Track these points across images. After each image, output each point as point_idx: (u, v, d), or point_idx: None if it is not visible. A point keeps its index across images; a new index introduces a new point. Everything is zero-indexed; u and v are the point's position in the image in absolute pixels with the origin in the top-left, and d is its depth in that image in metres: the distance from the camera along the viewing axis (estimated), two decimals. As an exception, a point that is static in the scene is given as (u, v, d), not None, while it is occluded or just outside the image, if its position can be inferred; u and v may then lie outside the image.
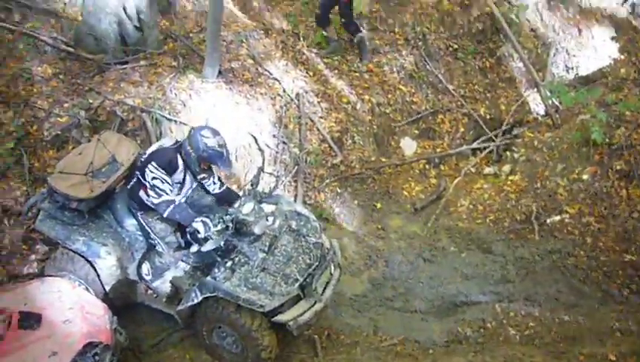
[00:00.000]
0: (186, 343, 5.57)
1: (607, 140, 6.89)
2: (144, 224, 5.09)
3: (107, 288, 5.15)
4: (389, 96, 9.03)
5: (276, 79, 8.16)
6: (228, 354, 5.12)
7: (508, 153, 8.36)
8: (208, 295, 4.66)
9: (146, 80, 7.61)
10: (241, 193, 5.62)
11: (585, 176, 6.92)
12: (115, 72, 7.62)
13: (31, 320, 4.41)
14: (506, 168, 8.01)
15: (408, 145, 8.75)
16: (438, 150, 8.68)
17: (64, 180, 5.04)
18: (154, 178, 4.70)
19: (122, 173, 5.17)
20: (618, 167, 6.63)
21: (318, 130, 7.89)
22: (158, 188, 4.71)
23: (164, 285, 5.18)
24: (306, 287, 4.86)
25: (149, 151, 4.95)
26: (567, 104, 8.02)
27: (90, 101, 7.25)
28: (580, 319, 5.67)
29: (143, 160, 4.90)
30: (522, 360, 5.06)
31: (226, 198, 5.30)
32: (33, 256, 6.28)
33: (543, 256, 6.52)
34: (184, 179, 4.99)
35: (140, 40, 7.83)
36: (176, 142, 4.94)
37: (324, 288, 5.02)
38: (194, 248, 4.80)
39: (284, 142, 7.62)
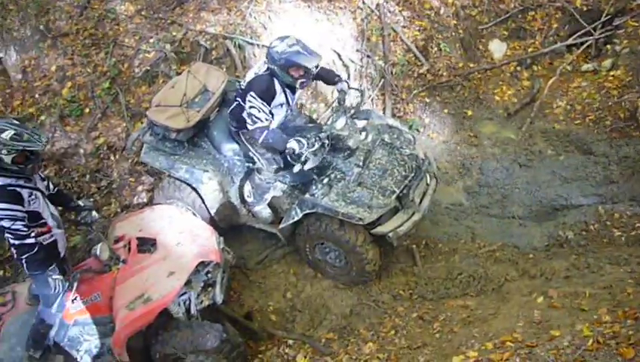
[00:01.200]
0: (288, 259, 5.88)
1: None
2: (244, 141, 5.23)
3: (212, 212, 5.47)
4: (476, -4, 8.55)
5: (355, -9, 7.91)
6: (331, 268, 5.37)
7: (608, 46, 7.75)
8: (308, 211, 4.83)
9: (224, 6, 7.62)
10: (328, 112, 5.63)
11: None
12: (193, 3, 7.69)
13: (147, 244, 4.80)
14: (607, 63, 7.47)
15: (497, 48, 8.32)
16: (530, 50, 8.19)
17: (162, 113, 5.31)
18: (251, 106, 4.76)
19: (215, 101, 5.37)
20: None
21: (402, 40, 7.65)
22: (254, 115, 4.77)
23: (265, 207, 5.46)
24: (403, 199, 4.92)
25: (248, 77, 4.96)
26: (676, -15, 7.26)
27: (174, 34, 7.41)
28: (691, 215, 5.39)
29: (243, 87, 4.94)
30: (628, 260, 4.90)
31: (326, 80, 5.39)
32: (140, 187, 6.72)
33: (649, 154, 6.16)
34: (287, 99, 5.03)
35: (215, -34, 7.78)
36: (267, 68, 4.89)
37: (421, 199, 5.05)
38: (296, 168, 4.82)
39: (368, 56, 7.47)
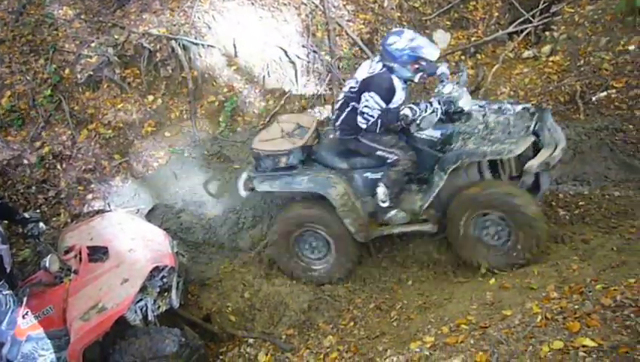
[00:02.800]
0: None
1: (653, 5, 6.48)
2: (369, 143, 5.04)
3: (347, 223, 5.18)
4: (417, -12, 8.67)
5: (298, -13, 7.92)
6: (486, 247, 5.00)
7: (547, 33, 7.95)
8: (452, 167, 4.75)
9: (167, 7, 7.54)
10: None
11: (631, 47, 6.57)
12: (135, 4, 7.57)
13: (99, 253, 4.72)
14: (546, 49, 7.67)
15: (442, 38, 8.44)
16: (473, 39, 8.35)
17: (267, 143, 5.29)
18: (365, 106, 4.74)
19: (312, 132, 5.35)
20: (667, 33, 6.28)
21: (347, 33, 7.69)
22: (366, 114, 4.76)
23: (399, 210, 5.21)
24: (539, 136, 4.86)
25: (362, 76, 4.89)
26: (607, -29, 7.49)
27: (116, 37, 7.30)
28: (631, 193, 5.60)
29: (357, 87, 4.88)
30: (573, 238, 5.08)
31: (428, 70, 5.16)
32: (90, 196, 6.59)
33: (590, 135, 6.34)
34: (404, 95, 4.99)
35: (155, -35, 7.67)
36: (383, 65, 4.81)
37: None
38: (413, 128, 4.88)
39: (314, 51, 7.49)
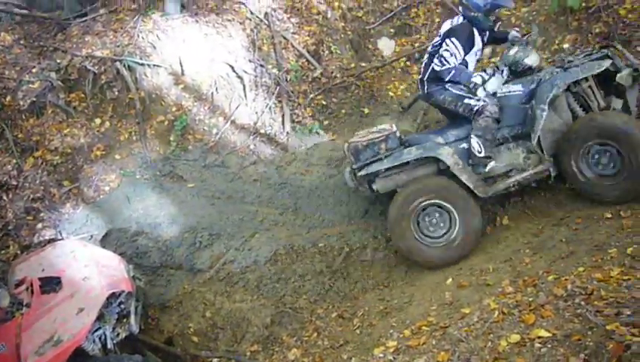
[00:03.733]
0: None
1: (583, 4, 6.74)
2: (456, 91, 5.19)
3: (464, 178, 5.12)
4: (359, -2, 8.81)
5: (241, 2, 7.94)
6: (600, 179, 4.89)
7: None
8: (550, 95, 4.78)
9: (109, 28, 7.44)
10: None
11: (566, 45, 6.84)
12: (76, 27, 7.44)
13: (51, 283, 4.58)
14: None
15: (386, 46, 8.59)
16: (417, 45, 8.51)
17: (362, 136, 5.45)
18: (446, 50, 5.06)
19: (395, 131, 5.41)
20: (597, 30, 6.52)
21: (293, 46, 7.75)
22: (444, 58, 5.06)
23: (498, 160, 5.21)
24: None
25: (444, 29, 5.27)
26: (539, -26, 7.77)
27: (59, 61, 7.15)
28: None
29: (440, 38, 5.22)
30: (524, 233, 5.20)
31: (497, 40, 5.69)
32: (40, 225, 6.40)
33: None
34: (482, 46, 5.40)
35: (94, -13, 7.58)
36: (463, 17, 5.19)
37: None
38: (480, 92, 5.07)
39: (261, 65, 7.50)
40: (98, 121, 7.12)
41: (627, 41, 6.19)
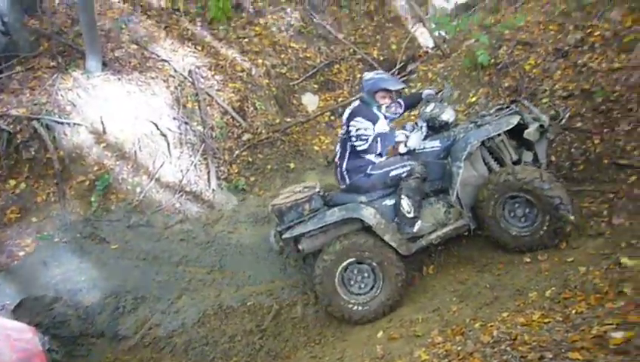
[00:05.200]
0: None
1: (492, 61, 7.19)
2: (380, 171, 5.23)
3: (387, 239, 5.17)
4: (282, 56, 9.02)
5: (165, 60, 7.95)
6: (517, 229, 5.04)
7: (406, 90, 8.54)
8: (465, 153, 4.98)
9: (26, 86, 7.23)
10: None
11: (480, 99, 7.22)
12: (-10, 85, 7.17)
13: (-44, 362, 4.21)
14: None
15: (310, 101, 8.80)
16: (340, 100, 8.78)
17: (286, 198, 5.43)
18: (357, 129, 5.05)
19: (319, 190, 5.44)
20: (506, 84, 6.95)
21: (218, 103, 7.78)
22: (362, 135, 5.05)
23: (424, 220, 5.27)
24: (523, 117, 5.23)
25: (346, 115, 5.28)
26: (451, 33, 8.26)
27: (-29, 121, 6.83)
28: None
29: (345, 121, 5.24)
30: (451, 281, 5.32)
31: (412, 103, 5.85)
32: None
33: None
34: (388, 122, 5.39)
35: (10, 45, 7.40)
36: (360, 100, 5.36)
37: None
38: (402, 149, 5.25)
39: (185, 123, 7.46)
40: (13, 182, 6.82)
41: (533, 93, 6.62)
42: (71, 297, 5.95)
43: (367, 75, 5.33)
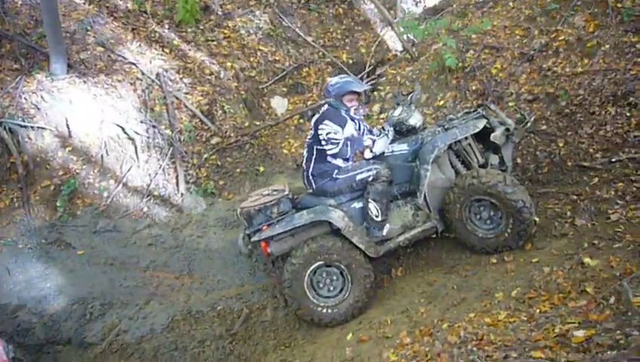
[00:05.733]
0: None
1: (460, 64, 7.30)
2: (346, 175, 5.26)
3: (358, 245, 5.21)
4: (251, 59, 9.00)
5: (132, 63, 7.84)
6: (483, 231, 5.14)
7: (375, 93, 8.60)
8: (432, 156, 5.05)
9: (-12, 89, 7.05)
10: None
11: (447, 102, 7.32)
12: (-50, 89, 6.99)
13: None
14: (376, 107, 8.26)
15: (279, 104, 8.80)
16: (309, 103, 8.79)
17: (254, 201, 5.41)
18: (327, 133, 5.06)
19: (288, 192, 5.46)
20: (474, 88, 7.06)
21: (186, 106, 7.71)
22: (333, 139, 5.06)
23: (393, 223, 5.33)
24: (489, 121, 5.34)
25: (314, 119, 5.31)
26: (420, 37, 8.33)
27: None
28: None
29: (313, 127, 5.25)
30: (419, 282, 5.38)
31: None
32: None
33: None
34: (359, 128, 5.47)
35: (-29, 47, 7.21)
36: (327, 105, 5.36)
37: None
38: (367, 154, 5.31)
39: (153, 126, 7.37)
40: (-26, 188, 6.65)
41: (499, 97, 6.75)
42: (36, 304, 5.84)
43: (333, 80, 5.36)
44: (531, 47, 6.96)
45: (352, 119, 5.34)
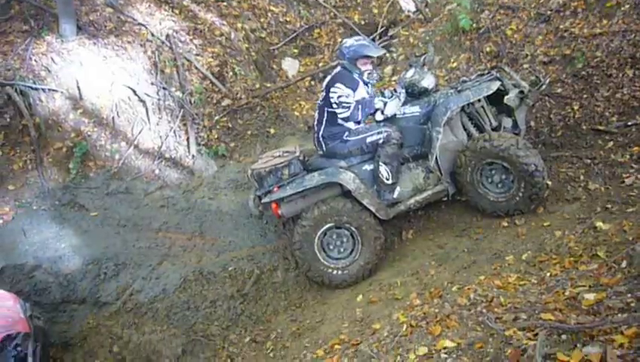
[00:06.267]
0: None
1: (474, 25, 7.15)
2: (356, 137, 5.24)
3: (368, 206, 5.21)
4: (262, 20, 8.87)
5: (142, 24, 7.75)
6: (495, 195, 5.12)
7: (387, 54, 8.48)
8: (445, 118, 5.01)
9: (-3, 51, 7.03)
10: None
11: (461, 64, 7.21)
12: (-42, 50, 6.98)
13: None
14: (388, 69, 8.16)
15: (290, 66, 8.70)
16: (321, 65, 8.69)
17: (265, 163, 5.43)
18: (339, 96, 5.03)
19: (299, 153, 5.47)
20: (488, 49, 6.93)
21: (197, 68, 7.64)
22: (343, 103, 5.04)
23: (404, 184, 5.36)
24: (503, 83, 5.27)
25: (326, 82, 5.29)
26: (433, -3, 8.18)
27: (-59, 86, 6.65)
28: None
29: (325, 90, 5.22)
30: (430, 246, 5.39)
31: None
32: None
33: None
34: (367, 93, 5.34)
35: (-21, 8, 7.16)
36: (340, 66, 5.30)
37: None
38: (378, 116, 5.29)
39: (164, 88, 7.34)
40: (-13, 150, 6.70)
41: (514, 59, 6.62)
42: (51, 264, 5.94)
43: (347, 42, 5.24)
44: (548, 7, 6.79)
45: (365, 83, 5.26)
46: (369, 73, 5.25)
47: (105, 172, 6.82)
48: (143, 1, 8.13)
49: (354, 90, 5.11)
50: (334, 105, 5.08)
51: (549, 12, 6.71)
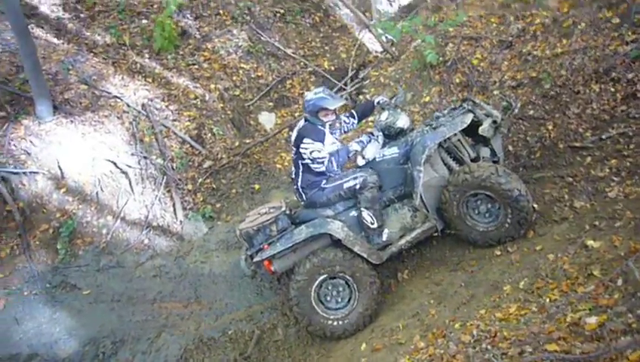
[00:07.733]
0: None
1: (440, 59, 7.32)
2: (333, 184, 5.26)
3: (357, 250, 5.19)
4: (234, 78, 8.99)
5: (117, 96, 7.83)
6: (482, 225, 5.14)
7: (360, 96, 8.64)
8: (424, 156, 5.02)
9: (-27, 138, 7.04)
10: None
11: (432, 98, 7.34)
12: None
13: None
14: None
15: (267, 120, 8.79)
16: (297, 114, 8.78)
17: (253, 221, 5.42)
18: (312, 152, 5.10)
19: (285, 208, 5.46)
20: (457, 80, 7.09)
21: (175, 133, 7.70)
22: (318, 158, 5.11)
23: (390, 227, 5.36)
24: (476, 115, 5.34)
25: (293, 137, 5.33)
26: (397, 37, 8.34)
27: None
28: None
29: (294, 143, 5.25)
30: (427, 283, 5.37)
31: (366, 113, 5.83)
32: None
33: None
34: (337, 138, 5.46)
35: (-47, 100, 7.19)
36: (304, 119, 5.38)
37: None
38: (360, 161, 5.35)
39: (145, 157, 7.36)
40: (-29, 241, 6.63)
41: (484, 86, 6.77)
42: (47, 351, 5.82)
43: (308, 96, 5.35)
44: (509, 33, 7.00)
45: (331, 132, 5.35)
46: (330, 124, 5.33)
47: (94, 248, 6.75)
48: (115, 73, 8.24)
49: (322, 141, 5.16)
50: (308, 161, 5.15)
51: (510, 38, 6.92)
